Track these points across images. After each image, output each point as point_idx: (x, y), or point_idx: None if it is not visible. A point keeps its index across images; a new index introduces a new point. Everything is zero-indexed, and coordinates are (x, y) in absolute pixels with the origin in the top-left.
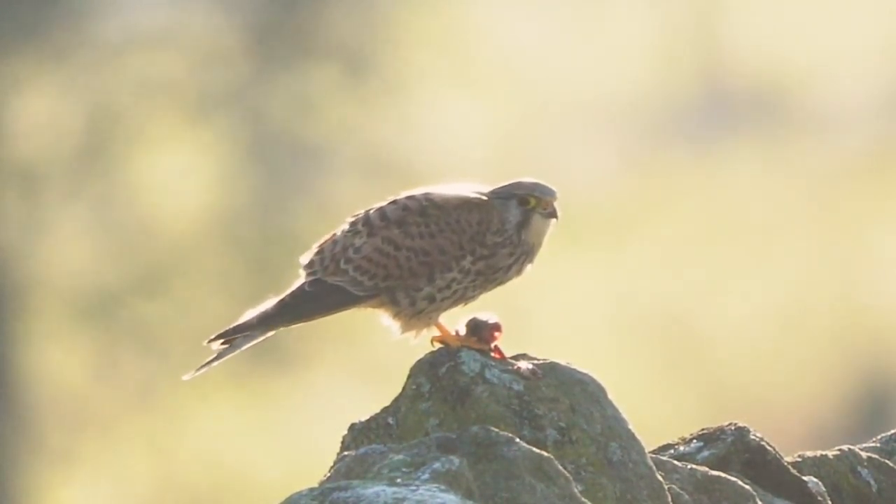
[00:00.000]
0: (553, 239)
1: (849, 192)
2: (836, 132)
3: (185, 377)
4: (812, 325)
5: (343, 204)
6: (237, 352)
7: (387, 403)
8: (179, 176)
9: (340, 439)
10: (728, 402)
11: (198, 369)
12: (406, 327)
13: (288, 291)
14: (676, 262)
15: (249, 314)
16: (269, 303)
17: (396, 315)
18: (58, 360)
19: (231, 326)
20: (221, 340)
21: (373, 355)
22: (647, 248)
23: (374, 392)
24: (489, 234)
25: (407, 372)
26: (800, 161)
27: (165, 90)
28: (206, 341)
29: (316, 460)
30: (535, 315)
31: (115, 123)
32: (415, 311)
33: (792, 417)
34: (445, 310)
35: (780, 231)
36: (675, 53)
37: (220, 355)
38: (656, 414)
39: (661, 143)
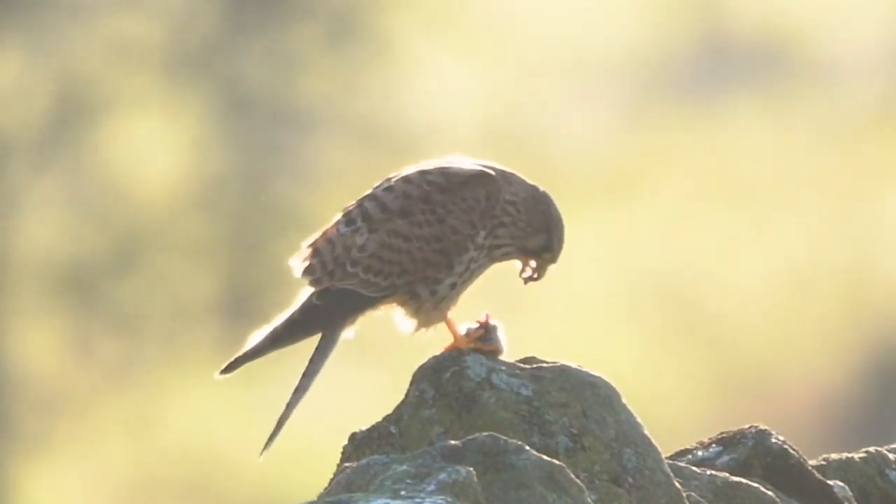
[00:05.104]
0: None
1: (860, 147)
2: (846, 83)
3: (216, 376)
4: (824, 288)
5: (328, 170)
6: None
7: (381, 380)
8: (155, 143)
9: (341, 449)
10: (734, 368)
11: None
12: (424, 322)
13: (295, 307)
14: (678, 223)
15: (257, 337)
16: (276, 322)
17: (417, 310)
18: (29, 340)
19: (241, 353)
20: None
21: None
22: (647, 210)
23: (368, 369)
24: (498, 206)
25: (401, 348)
26: (807, 115)
27: (138, 52)
28: (218, 373)
29: (306, 443)
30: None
31: (85, 89)
32: (437, 301)
33: (803, 385)
34: (461, 293)
35: (787, 189)
36: (673, 3)
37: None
38: (660, 385)
39: (660, 100)
